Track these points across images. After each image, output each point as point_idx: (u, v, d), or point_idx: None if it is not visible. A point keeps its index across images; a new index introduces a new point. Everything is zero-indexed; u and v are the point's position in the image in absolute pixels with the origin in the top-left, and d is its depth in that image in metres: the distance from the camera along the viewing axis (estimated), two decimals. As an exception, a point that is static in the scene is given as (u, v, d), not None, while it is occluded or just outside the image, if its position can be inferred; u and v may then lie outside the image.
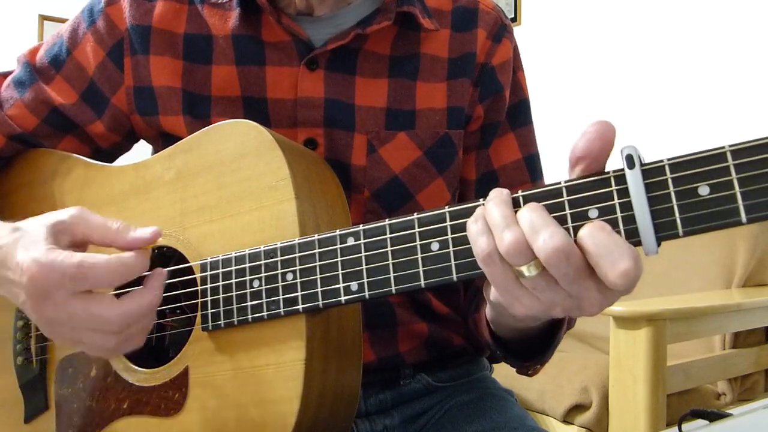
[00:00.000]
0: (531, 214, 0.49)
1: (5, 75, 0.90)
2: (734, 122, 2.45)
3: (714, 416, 0.98)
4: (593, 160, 0.49)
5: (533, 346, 0.72)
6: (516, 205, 0.52)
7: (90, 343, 0.62)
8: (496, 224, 0.50)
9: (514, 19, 3.24)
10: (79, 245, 0.64)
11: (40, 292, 0.59)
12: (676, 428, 1.03)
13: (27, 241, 0.62)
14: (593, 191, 0.49)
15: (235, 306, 0.65)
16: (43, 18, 4.27)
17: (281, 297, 0.63)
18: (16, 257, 0.61)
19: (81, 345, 0.63)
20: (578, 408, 1.86)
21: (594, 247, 0.47)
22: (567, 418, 1.88)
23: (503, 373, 0.96)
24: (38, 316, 0.61)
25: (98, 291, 0.61)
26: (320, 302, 0.61)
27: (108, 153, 0.90)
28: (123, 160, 0.85)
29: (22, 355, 0.80)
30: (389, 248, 0.58)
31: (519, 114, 0.88)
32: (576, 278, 0.48)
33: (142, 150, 0.89)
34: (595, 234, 0.47)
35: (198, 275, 0.68)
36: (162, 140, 0.83)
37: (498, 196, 0.52)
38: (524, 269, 0.49)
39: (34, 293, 0.59)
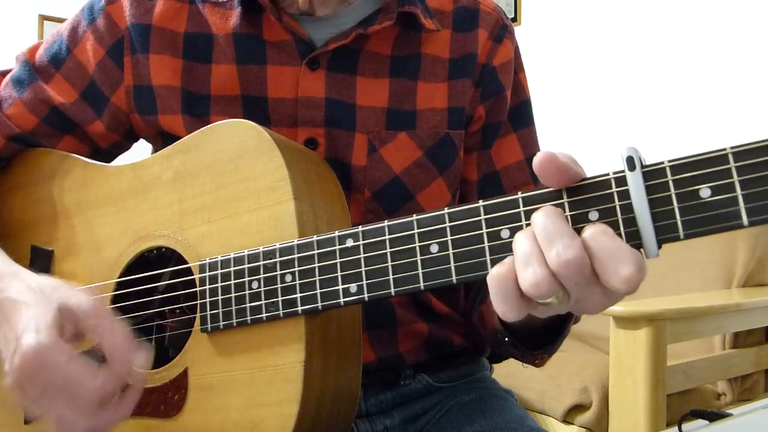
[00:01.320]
0: (545, 221, 0.48)
1: (4, 74, 0.89)
2: (736, 123, 2.44)
3: (714, 416, 0.98)
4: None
5: (543, 333, 0.71)
6: (515, 206, 0.51)
7: (57, 427, 0.62)
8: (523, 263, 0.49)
9: (514, 19, 3.23)
10: (79, 335, 0.64)
11: (27, 376, 0.59)
12: (676, 428, 1.03)
13: (33, 311, 0.62)
14: (593, 193, 0.49)
15: (234, 307, 0.65)
16: (43, 18, 4.26)
17: (280, 298, 0.62)
18: (18, 327, 0.61)
19: (47, 422, 0.63)
20: (578, 408, 1.86)
21: (597, 252, 0.47)
22: (567, 418, 1.88)
23: (503, 373, 0.96)
24: (16, 388, 0.61)
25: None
26: (319, 304, 0.61)
27: (107, 152, 0.89)
28: (122, 160, 0.85)
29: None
30: (388, 250, 0.57)
31: (521, 115, 0.88)
32: (585, 285, 0.48)
33: (141, 150, 0.89)
34: (597, 238, 0.47)
35: (197, 276, 0.68)
36: (161, 139, 0.83)
37: (540, 219, 0.50)
38: (548, 302, 0.49)
39: (20, 372, 0.60)
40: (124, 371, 0.62)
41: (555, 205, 0.50)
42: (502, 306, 0.50)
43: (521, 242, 0.49)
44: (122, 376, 0.61)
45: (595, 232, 0.47)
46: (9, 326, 0.63)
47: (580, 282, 0.47)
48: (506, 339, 0.72)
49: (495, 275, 0.50)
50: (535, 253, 0.48)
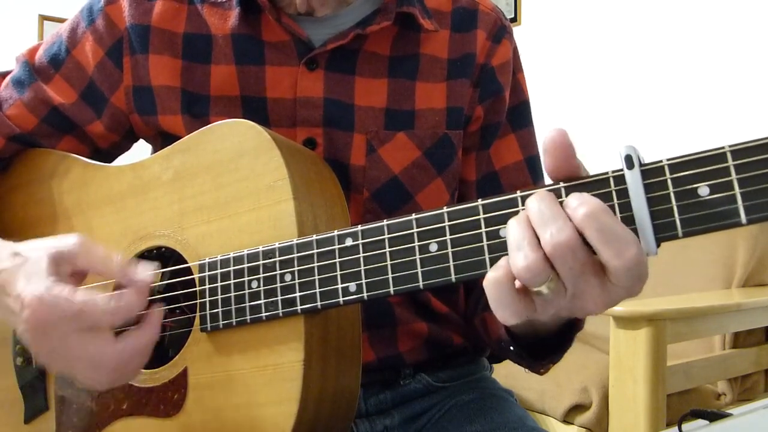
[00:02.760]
0: (540, 204, 0.48)
1: (4, 75, 0.89)
2: (734, 122, 2.44)
3: (714, 416, 0.98)
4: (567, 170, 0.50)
5: (548, 343, 0.71)
6: (514, 205, 0.51)
7: (83, 378, 0.63)
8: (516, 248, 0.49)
9: (514, 19, 3.24)
10: (79, 275, 0.65)
11: (40, 328, 0.59)
12: (676, 428, 1.03)
13: (28, 271, 0.62)
14: (592, 192, 0.49)
15: (233, 307, 0.65)
16: (43, 18, 4.27)
17: (279, 298, 0.62)
18: (17, 288, 0.61)
19: (75, 377, 0.63)
20: (578, 408, 1.86)
21: (598, 233, 0.46)
22: (567, 418, 1.88)
23: (503, 373, 0.96)
24: (36, 348, 0.61)
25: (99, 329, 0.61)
26: (319, 303, 0.61)
27: (107, 153, 0.89)
28: (122, 160, 0.85)
29: (21, 356, 0.80)
30: (387, 249, 0.57)
31: (520, 115, 0.88)
32: (580, 273, 0.47)
33: (141, 150, 0.89)
34: (599, 217, 0.46)
35: (196, 276, 0.68)
36: (161, 140, 0.83)
37: (534, 204, 0.50)
38: (540, 289, 0.49)
39: (33, 328, 0.60)
40: (133, 282, 0.62)
41: None
42: (501, 310, 0.50)
43: (513, 228, 0.49)
44: (134, 289, 0.61)
45: (595, 210, 0.46)
46: (8, 294, 0.63)
47: (575, 267, 0.47)
48: (511, 348, 0.72)
49: (491, 280, 0.50)
50: (527, 236, 0.48)
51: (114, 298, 0.61)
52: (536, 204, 0.48)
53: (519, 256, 0.48)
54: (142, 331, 0.63)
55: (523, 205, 0.51)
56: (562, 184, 0.50)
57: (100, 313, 0.60)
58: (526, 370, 0.78)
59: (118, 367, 0.62)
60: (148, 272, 0.64)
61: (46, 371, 0.78)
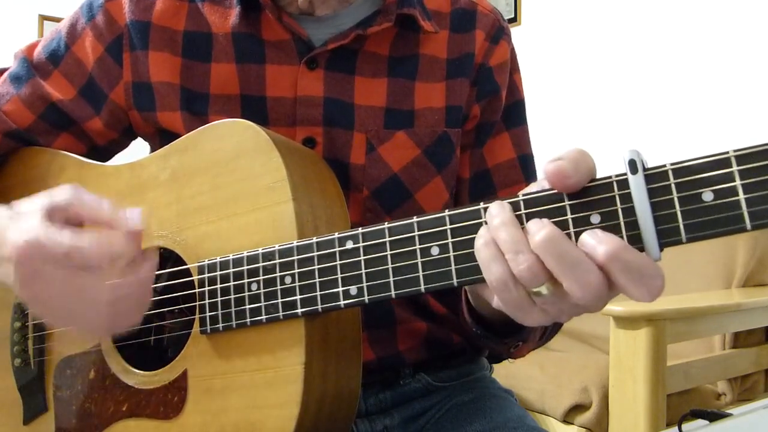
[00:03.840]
0: (556, 247, 0.48)
1: (1, 71, 0.89)
2: (739, 126, 2.44)
3: (714, 416, 0.98)
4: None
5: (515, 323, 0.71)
6: (516, 209, 0.51)
7: (82, 318, 0.61)
8: (508, 249, 0.49)
9: (514, 19, 3.23)
10: (74, 224, 0.63)
11: (30, 269, 0.58)
12: (676, 428, 1.03)
13: (21, 221, 0.61)
14: (595, 196, 0.48)
15: (233, 309, 0.65)
16: (43, 18, 4.26)
17: (280, 301, 0.62)
18: (9, 236, 0.60)
19: (73, 322, 0.62)
20: (578, 408, 1.86)
21: (624, 272, 0.46)
22: (567, 418, 1.88)
23: (503, 373, 0.96)
24: (29, 294, 0.60)
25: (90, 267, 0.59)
26: (319, 306, 0.60)
27: (104, 150, 0.89)
28: (119, 159, 0.84)
29: (20, 357, 0.79)
30: (389, 252, 0.57)
31: (514, 114, 0.89)
32: (600, 298, 0.48)
33: (139, 150, 0.88)
34: (622, 256, 0.46)
35: (196, 277, 0.67)
36: (159, 137, 0.83)
37: (499, 213, 0.51)
38: (540, 289, 0.49)
39: (24, 270, 0.58)
40: (123, 225, 0.60)
41: (557, 207, 0.50)
42: (511, 312, 0.52)
43: (500, 235, 0.50)
44: (122, 238, 0.60)
45: (618, 250, 0.46)
46: (1, 249, 0.61)
47: (596, 298, 0.48)
48: (478, 331, 0.72)
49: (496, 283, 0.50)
50: (518, 240, 0.49)
51: (103, 237, 0.59)
52: (539, 232, 0.48)
53: (519, 260, 0.48)
54: (136, 268, 0.61)
55: (525, 208, 0.51)
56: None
57: (90, 250, 0.58)
58: (510, 360, 0.78)
59: (112, 304, 0.60)
60: (135, 214, 0.62)
61: (45, 373, 0.78)
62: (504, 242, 0.49)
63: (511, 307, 0.51)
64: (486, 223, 0.52)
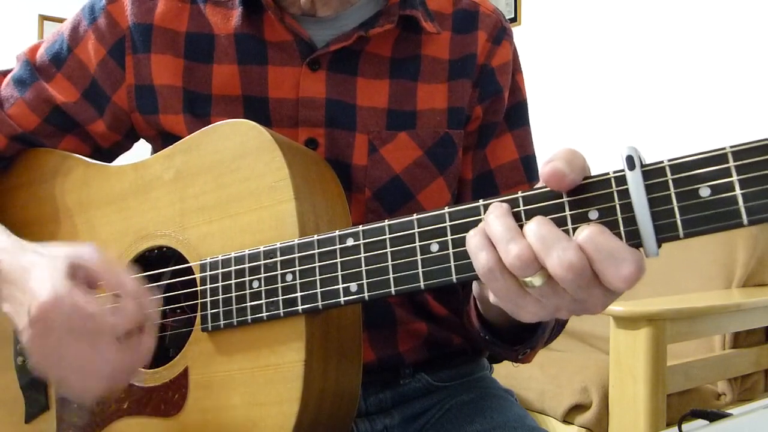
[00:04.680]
0: (540, 229, 0.48)
1: (4, 73, 0.89)
2: (735, 123, 2.44)
3: (714, 416, 0.98)
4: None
5: (524, 330, 0.71)
6: (515, 205, 0.51)
7: (78, 384, 0.62)
8: (500, 237, 0.49)
9: (514, 19, 3.24)
10: (92, 284, 0.64)
11: (44, 327, 0.59)
12: (676, 428, 1.02)
13: (45, 270, 0.62)
14: (593, 192, 0.49)
15: (234, 307, 0.65)
16: (43, 18, 4.27)
17: (281, 298, 0.62)
18: (31, 283, 0.62)
19: (65, 384, 0.63)
20: (578, 408, 1.86)
21: (596, 253, 0.47)
22: (567, 418, 1.88)
23: (503, 373, 0.96)
24: (33, 347, 0.61)
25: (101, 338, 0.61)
26: (320, 303, 0.61)
27: (108, 152, 0.89)
28: (123, 160, 0.85)
29: (22, 355, 0.80)
30: (389, 249, 0.57)
31: (516, 115, 0.89)
32: (585, 287, 0.48)
33: (142, 150, 0.89)
34: (595, 238, 0.47)
35: (197, 275, 0.68)
36: (162, 139, 0.83)
37: (498, 208, 0.51)
38: (531, 280, 0.49)
39: (37, 326, 0.60)
40: (138, 304, 0.62)
41: (555, 203, 0.50)
42: (504, 303, 0.52)
43: (493, 224, 0.50)
44: (137, 311, 0.61)
45: (592, 233, 0.47)
46: (19, 289, 0.63)
47: (582, 284, 0.47)
48: (486, 337, 0.73)
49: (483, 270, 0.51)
50: (511, 228, 0.50)
51: (122, 312, 0.61)
52: (535, 228, 0.49)
53: (510, 248, 0.49)
54: (142, 344, 0.63)
55: (524, 204, 0.51)
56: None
57: (106, 323, 0.60)
58: (514, 364, 0.78)
59: (113, 375, 0.61)
60: (145, 288, 0.64)
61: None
62: (495, 231, 0.50)
63: (504, 298, 0.52)
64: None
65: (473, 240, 0.51)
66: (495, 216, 0.51)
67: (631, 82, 2.77)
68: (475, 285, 0.66)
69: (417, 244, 0.56)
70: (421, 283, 0.56)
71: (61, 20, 4.06)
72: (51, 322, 0.59)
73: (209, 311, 0.67)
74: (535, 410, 1.97)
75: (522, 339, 0.72)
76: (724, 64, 2.49)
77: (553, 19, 3.11)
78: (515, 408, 0.85)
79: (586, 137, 2.81)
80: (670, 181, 0.46)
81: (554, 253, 0.47)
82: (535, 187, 0.52)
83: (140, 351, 0.63)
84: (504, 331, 0.72)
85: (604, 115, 2.85)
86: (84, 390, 0.63)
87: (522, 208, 0.51)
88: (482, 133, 0.86)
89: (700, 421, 0.96)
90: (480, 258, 0.50)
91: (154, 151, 0.87)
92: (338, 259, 0.60)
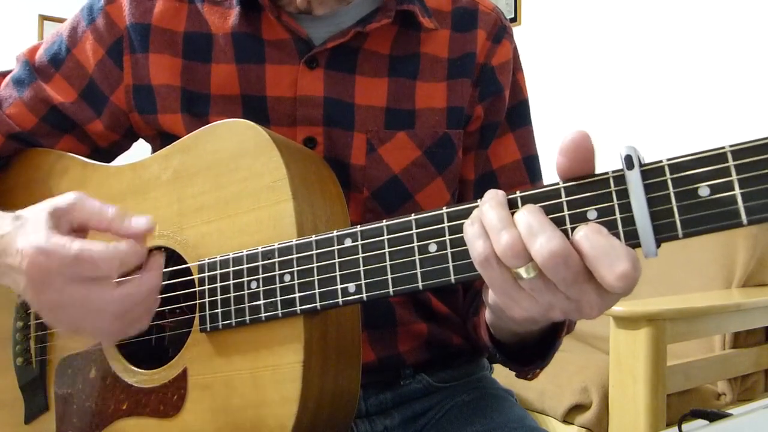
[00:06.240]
0: (528, 217, 0.49)
1: (4, 74, 0.89)
2: (735, 122, 2.44)
3: (714, 416, 0.98)
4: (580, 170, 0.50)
5: (533, 350, 0.72)
6: (513, 206, 0.51)
7: (91, 327, 0.62)
8: (493, 226, 0.49)
9: (514, 19, 3.23)
10: (79, 230, 0.64)
11: (40, 278, 0.59)
12: (676, 428, 1.02)
13: (28, 228, 0.62)
14: (592, 192, 0.49)
15: (233, 307, 0.65)
16: (43, 18, 4.27)
17: (279, 298, 0.62)
18: (17, 244, 0.61)
19: (82, 330, 0.63)
20: (578, 408, 1.86)
21: (591, 250, 0.47)
22: (567, 418, 1.88)
23: (503, 373, 0.96)
24: (38, 302, 0.61)
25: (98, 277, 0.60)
26: (318, 304, 0.60)
27: (106, 152, 0.89)
28: (121, 160, 0.85)
29: (21, 356, 0.80)
30: (387, 249, 0.57)
31: (518, 115, 0.88)
32: (574, 282, 0.48)
33: (141, 150, 0.89)
34: (591, 236, 0.47)
35: (196, 276, 0.68)
36: (160, 139, 0.83)
37: (493, 197, 0.51)
38: (522, 271, 0.49)
39: (33, 279, 0.59)
40: (130, 232, 0.62)
41: (553, 203, 0.50)
42: (498, 296, 0.52)
43: (487, 213, 0.51)
44: (129, 250, 0.61)
45: (588, 231, 0.47)
46: (9, 255, 0.62)
47: (568, 277, 0.47)
48: (497, 356, 0.73)
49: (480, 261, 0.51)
50: (503, 218, 0.50)
51: (111, 246, 0.60)
52: (524, 216, 0.49)
53: (501, 237, 0.49)
54: (142, 277, 0.63)
55: (522, 204, 0.51)
56: (561, 184, 0.50)
57: (98, 260, 0.59)
58: (516, 376, 0.79)
59: (121, 314, 0.61)
60: (142, 221, 0.63)
61: (46, 372, 0.78)
62: (489, 221, 0.50)
63: (498, 290, 0.51)
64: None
65: (470, 229, 0.51)
66: (490, 206, 0.51)
67: (631, 82, 2.77)
68: (488, 312, 0.66)
69: (415, 244, 0.56)
70: (420, 284, 0.55)
71: (61, 20, 4.06)
72: (43, 271, 0.59)
73: (208, 312, 0.66)
74: (535, 410, 1.97)
75: (532, 358, 0.72)
76: (723, 64, 2.49)
77: (553, 19, 3.11)
78: (515, 408, 0.85)
79: (586, 137, 2.81)
80: (669, 181, 0.46)
81: (538, 240, 0.47)
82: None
83: (142, 287, 0.62)
84: (515, 351, 0.72)
85: (604, 114, 2.85)
86: (101, 332, 0.63)
87: (520, 207, 0.51)
88: (484, 133, 0.86)
89: (700, 421, 0.96)
90: (476, 246, 0.50)
91: (154, 151, 0.87)
92: (336, 260, 0.60)
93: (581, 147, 0.49)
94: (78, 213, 0.63)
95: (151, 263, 0.64)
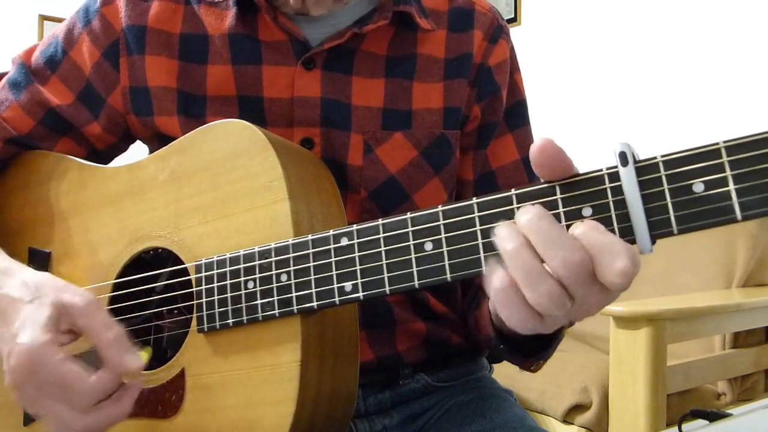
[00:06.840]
0: (540, 224, 0.48)
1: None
2: (729, 118, 2.45)
3: (714, 416, 0.97)
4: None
5: (537, 340, 0.71)
6: (509, 203, 0.51)
7: (52, 430, 0.63)
8: (529, 281, 0.49)
9: (514, 19, 3.24)
10: (76, 334, 0.64)
11: (20, 379, 0.60)
12: (676, 428, 1.02)
13: (29, 313, 0.62)
14: (587, 189, 0.49)
15: (230, 307, 0.65)
16: (43, 18, 4.27)
17: (276, 298, 0.62)
18: (14, 327, 0.62)
19: (45, 425, 0.64)
20: (578, 408, 1.86)
21: (591, 249, 0.47)
22: (567, 418, 1.88)
23: (503, 373, 0.96)
24: (12, 387, 0.62)
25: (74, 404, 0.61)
26: (315, 303, 0.60)
27: (104, 154, 0.89)
28: (119, 161, 0.85)
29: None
30: (383, 248, 0.57)
31: (517, 115, 0.88)
32: (584, 283, 0.48)
33: (138, 151, 0.89)
34: (588, 234, 0.47)
35: (193, 276, 0.68)
36: (157, 141, 0.83)
37: (515, 242, 0.49)
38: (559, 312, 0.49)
39: (15, 376, 0.61)
40: (118, 370, 0.61)
41: (548, 200, 0.50)
42: (515, 316, 0.51)
43: (517, 258, 0.49)
44: (116, 375, 0.61)
45: (586, 229, 0.47)
46: (5, 324, 0.63)
47: (581, 281, 0.47)
48: (501, 347, 0.72)
49: (498, 290, 0.50)
50: (535, 266, 0.48)
51: (98, 377, 0.60)
52: (536, 224, 0.48)
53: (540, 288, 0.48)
54: (115, 406, 0.62)
55: (517, 202, 0.51)
56: (556, 181, 0.50)
57: (80, 392, 0.60)
58: (520, 369, 0.78)
59: (87, 429, 0.62)
60: (136, 362, 0.63)
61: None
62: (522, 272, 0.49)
63: (516, 321, 0.51)
64: (514, 222, 0.50)
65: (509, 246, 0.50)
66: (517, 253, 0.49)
67: (631, 82, 2.77)
68: (491, 303, 0.66)
69: (411, 242, 0.56)
70: (416, 282, 0.55)
71: (61, 20, 4.05)
72: (28, 374, 0.60)
73: (205, 312, 0.66)
74: (535, 410, 1.97)
75: (536, 349, 0.72)
76: (719, 64, 2.50)
77: (553, 19, 3.11)
78: (515, 408, 0.85)
79: (585, 137, 2.81)
80: (664, 177, 0.46)
81: (561, 253, 0.47)
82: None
83: (113, 414, 0.62)
84: (519, 342, 0.72)
85: (603, 114, 2.85)
86: None
87: (515, 205, 0.51)
88: (482, 133, 0.86)
89: (700, 421, 0.96)
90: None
91: (151, 152, 0.87)
92: (333, 259, 0.60)
93: (547, 152, 0.49)
94: (82, 320, 0.63)
95: (126, 396, 0.63)
